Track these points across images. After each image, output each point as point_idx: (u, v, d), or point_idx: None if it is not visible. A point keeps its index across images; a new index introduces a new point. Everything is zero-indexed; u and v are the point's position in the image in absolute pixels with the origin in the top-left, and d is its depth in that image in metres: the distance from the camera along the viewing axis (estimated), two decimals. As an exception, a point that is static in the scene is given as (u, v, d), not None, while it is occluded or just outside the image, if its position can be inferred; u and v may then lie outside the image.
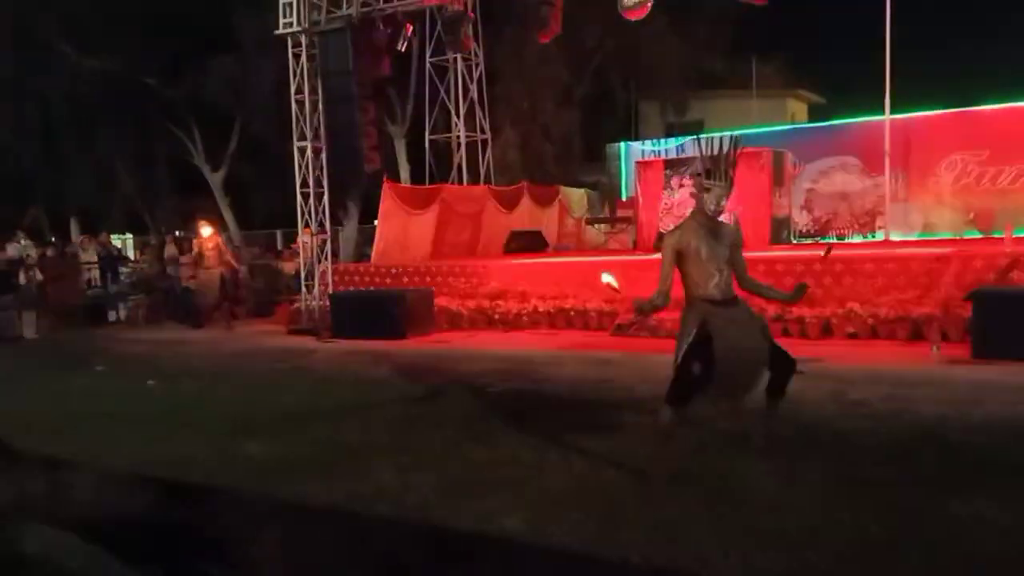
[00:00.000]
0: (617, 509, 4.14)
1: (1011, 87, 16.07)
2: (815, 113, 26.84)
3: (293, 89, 13.09)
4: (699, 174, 4.54)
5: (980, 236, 14.64)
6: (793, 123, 24.01)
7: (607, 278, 5.06)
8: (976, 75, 19.68)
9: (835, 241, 15.73)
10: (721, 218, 4.57)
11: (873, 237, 16.05)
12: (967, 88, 17.73)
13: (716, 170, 4.44)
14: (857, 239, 16.57)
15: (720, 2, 16.23)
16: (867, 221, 16.56)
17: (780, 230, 13.77)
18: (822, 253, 5.78)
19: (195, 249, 14.65)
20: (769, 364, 4.39)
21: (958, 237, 14.77)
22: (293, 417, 6.67)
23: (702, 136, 4.67)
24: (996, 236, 12.96)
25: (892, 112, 14.94)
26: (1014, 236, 11.01)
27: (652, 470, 4.49)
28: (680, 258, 4.48)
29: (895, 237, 15.16)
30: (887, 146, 14.90)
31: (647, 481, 4.51)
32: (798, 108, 26.86)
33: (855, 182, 16.81)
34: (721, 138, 4.52)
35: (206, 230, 14.43)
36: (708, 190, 4.47)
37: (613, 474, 4.74)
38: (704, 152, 4.49)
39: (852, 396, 6.37)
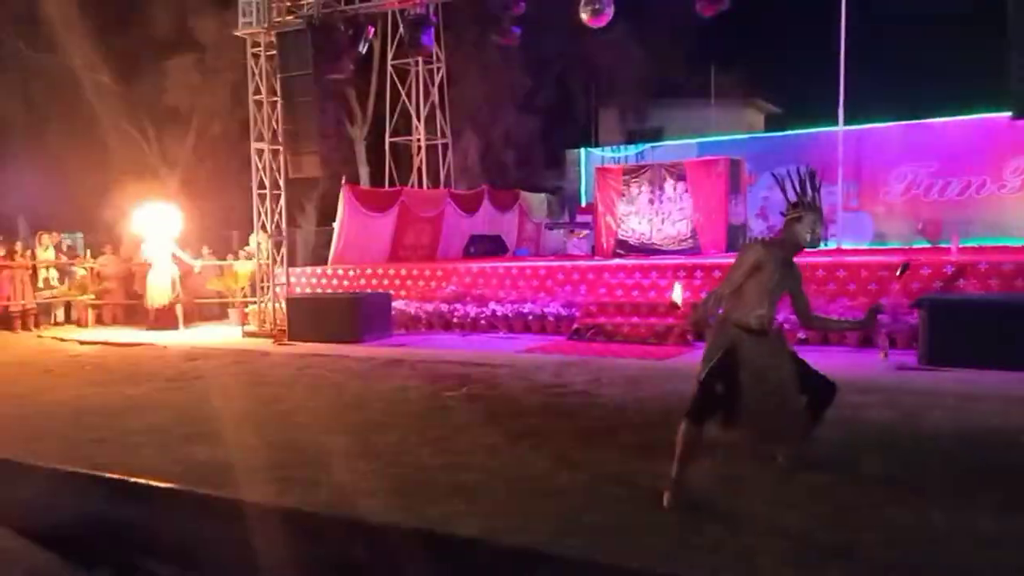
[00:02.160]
0: (571, 513, 4.16)
1: (959, 101, 16.51)
2: (772, 123, 27.29)
3: (251, 89, 12.94)
4: (790, 206, 4.33)
5: (928, 245, 15.02)
6: (750, 132, 24.40)
7: (677, 292, 4.91)
8: (926, 89, 20.18)
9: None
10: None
11: (826, 245, 16.33)
12: (917, 102, 18.18)
13: (805, 198, 4.28)
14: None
15: (679, 11, 16.40)
16: (821, 230, 16.87)
17: (736, 237, 13.97)
18: (897, 272, 5.65)
19: (143, 249, 14.37)
20: (805, 389, 4.29)
21: (907, 246, 15.13)
22: (246, 420, 6.59)
23: (777, 172, 4.52)
24: (943, 246, 13.32)
25: (845, 124, 15.27)
26: (960, 246, 11.31)
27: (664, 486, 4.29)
28: (749, 264, 4.24)
29: (847, 245, 15.47)
30: (840, 157, 15.22)
31: (599, 484, 4.54)
32: (755, 118, 27.29)
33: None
34: (799, 169, 4.38)
35: (154, 230, 14.16)
36: (799, 219, 4.25)
37: (568, 477, 4.77)
38: (786, 183, 4.35)
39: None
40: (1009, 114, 8.83)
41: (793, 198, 4.31)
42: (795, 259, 4.39)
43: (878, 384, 7.21)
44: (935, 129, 16.44)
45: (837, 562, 3.51)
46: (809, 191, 4.29)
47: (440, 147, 18.57)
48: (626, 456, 5.17)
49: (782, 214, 4.39)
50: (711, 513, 4.11)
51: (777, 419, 4.23)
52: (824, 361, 8.50)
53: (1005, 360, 7.53)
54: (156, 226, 14.11)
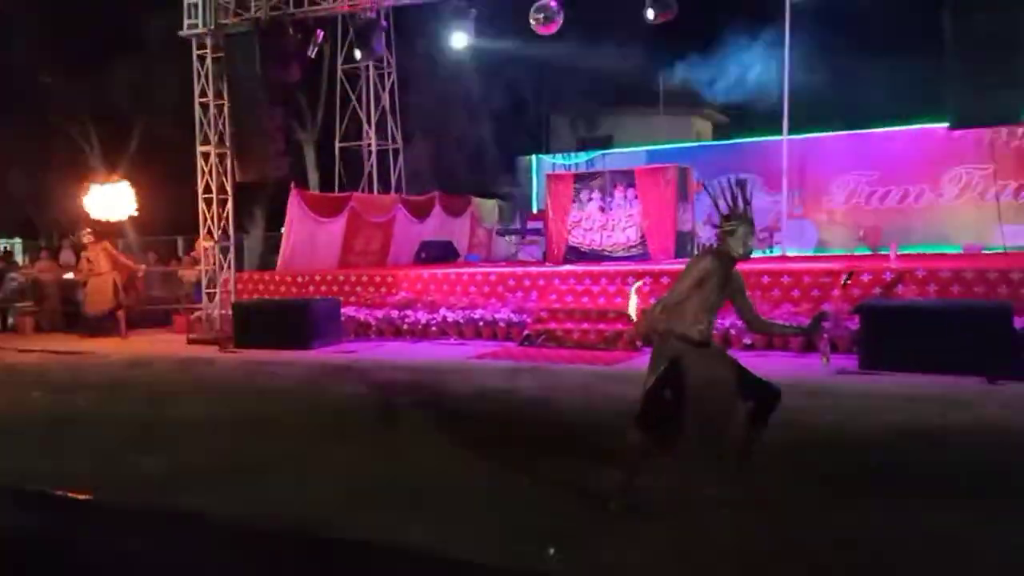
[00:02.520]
0: (521, 520, 4.17)
1: (899, 112, 16.99)
2: (719, 132, 27.76)
3: (197, 92, 12.73)
4: (722, 218, 4.33)
5: (868, 252, 15.41)
6: (698, 140, 24.79)
7: (632, 303, 4.79)
8: (868, 100, 20.74)
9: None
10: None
11: (771, 252, 16.67)
12: (859, 112, 18.67)
13: (735, 209, 4.30)
14: (756, 254, 17.17)
15: (629, 20, 16.60)
16: (765, 237, 17.17)
17: (684, 243, 14.16)
18: (843, 282, 5.71)
19: (83, 255, 14.01)
20: (750, 395, 4.31)
21: (848, 253, 15.51)
22: (191, 429, 6.46)
23: (706, 183, 4.57)
24: (883, 253, 13.68)
25: (789, 133, 15.60)
26: (899, 253, 11.62)
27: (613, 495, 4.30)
28: (691, 282, 4.23)
29: (791, 252, 15.80)
30: (784, 165, 15.54)
31: (549, 490, 4.55)
32: (703, 126, 27.72)
33: (755, 199, 17.42)
34: (730, 180, 4.43)
35: (91, 236, 13.83)
36: (732, 232, 4.27)
37: (516, 484, 4.77)
38: (717, 196, 4.35)
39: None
40: (946, 125, 9.13)
41: (725, 210, 4.32)
42: (738, 266, 4.44)
43: (820, 388, 7.37)
44: (876, 139, 16.89)
45: (782, 564, 3.58)
46: (741, 203, 4.31)
47: (391, 152, 18.47)
48: (576, 462, 5.20)
49: (715, 226, 4.42)
50: (656, 518, 4.15)
51: (721, 425, 4.28)
52: (768, 366, 8.66)
53: (941, 363, 7.75)
54: (108, 209, 13.71)
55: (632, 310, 4.77)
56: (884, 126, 16.96)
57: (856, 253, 15.49)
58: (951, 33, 8.32)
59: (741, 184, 4.35)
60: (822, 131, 17.33)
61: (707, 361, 4.25)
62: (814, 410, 6.36)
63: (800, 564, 3.55)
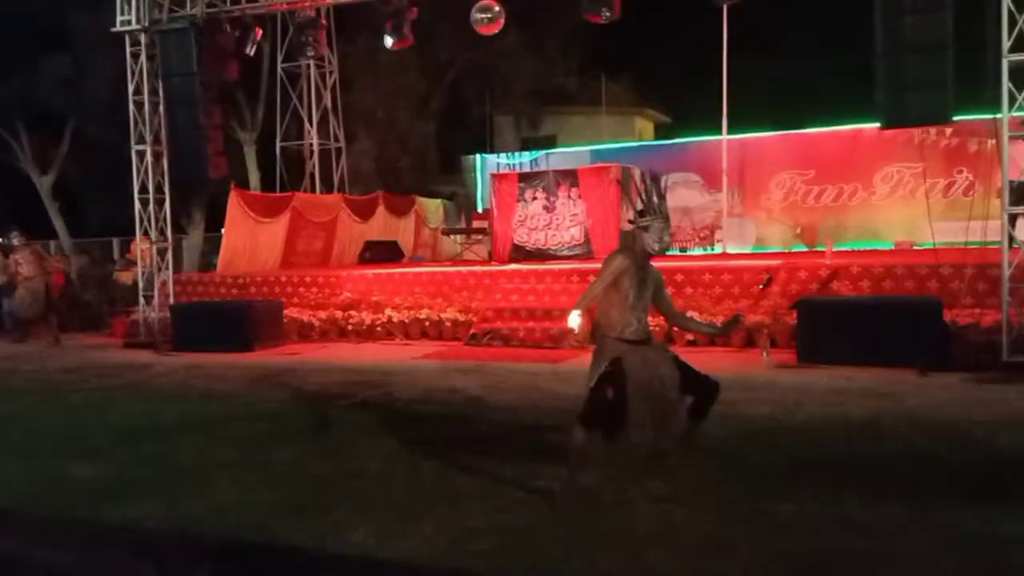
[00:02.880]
0: (466, 519, 4.17)
1: (834, 112, 17.45)
2: (661, 131, 28.14)
3: (131, 90, 12.41)
4: (636, 214, 4.34)
5: (805, 249, 15.80)
6: (640, 140, 25.09)
7: (574, 318, 4.66)
8: (803, 100, 21.28)
9: (692, 253, 16.49)
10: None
11: (712, 250, 16.98)
12: (796, 112, 19.14)
13: (649, 204, 4.28)
14: (698, 251, 17.49)
15: (571, 21, 16.73)
16: (707, 235, 17.51)
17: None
18: (761, 285, 5.73)
19: (12, 257, 13.53)
20: (690, 389, 4.35)
21: (786, 250, 15.87)
22: (127, 436, 6.30)
23: (621, 180, 4.54)
24: (819, 249, 14.04)
25: (729, 133, 15.90)
26: (834, 249, 11.94)
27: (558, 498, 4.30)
28: (610, 289, 4.28)
29: (731, 250, 16.10)
30: (724, 164, 15.84)
31: (495, 489, 4.56)
32: (645, 126, 28.06)
33: (696, 197, 17.76)
34: (641, 173, 4.43)
35: (17, 239, 13.38)
36: (646, 228, 4.26)
37: (462, 484, 4.77)
38: (632, 191, 4.35)
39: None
40: (878, 125, 9.40)
41: (640, 206, 4.32)
42: (681, 264, 4.49)
43: (759, 382, 7.53)
44: (811, 139, 17.32)
45: (723, 553, 3.64)
46: (655, 198, 4.30)
47: (333, 152, 18.29)
48: (521, 460, 5.21)
49: (630, 222, 4.42)
50: (601, 513, 4.19)
51: (663, 421, 4.31)
52: (709, 361, 8.80)
53: (875, 357, 7.99)
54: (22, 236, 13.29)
55: (574, 323, 4.68)
56: (819, 126, 17.40)
57: (793, 250, 15.87)
58: (881, 35, 8.56)
59: (655, 179, 4.34)
60: (760, 131, 17.70)
61: (648, 359, 4.29)
62: (752, 403, 6.50)
63: (738, 555, 3.62)
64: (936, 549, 3.62)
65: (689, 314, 9.76)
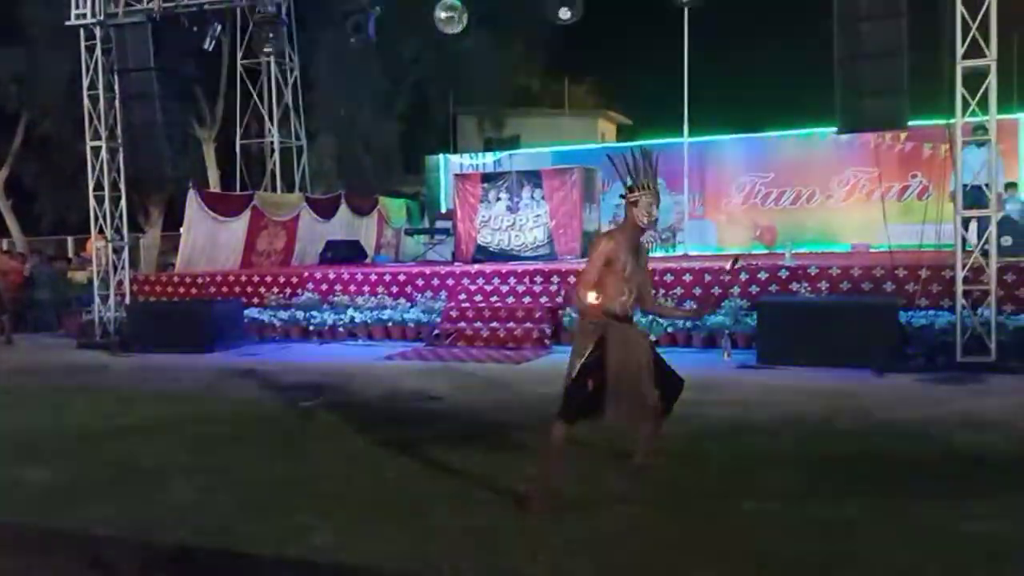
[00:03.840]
0: (430, 519, 4.14)
1: (793, 117, 17.72)
2: (623, 134, 28.33)
3: (86, 84, 12.15)
4: (626, 189, 4.30)
5: (765, 251, 16.00)
6: (603, 142, 25.22)
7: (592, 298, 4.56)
8: (763, 104, 21.61)
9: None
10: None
11: (674, 251, 17.11)
12: (755, 116, 19.42)
13: (638, 180, 4.26)
14: (659, 252, 17.61)
15: (533, 21, 16.75)
16: (668, 236, 17.65)
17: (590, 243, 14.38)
18: (728, 266, 5.69)
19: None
20: (658, 383, 4.35)
21: (747, 252, 16.05)
22: (82, 438, 6.16)
23: (613, 154, 4.48)
24: (778, 251, 14.23)
25: (690, 136, 16.05)
26: (793, 251, 12.10)
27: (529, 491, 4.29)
28: (603, 261, 4.22)
29: (692, 251, 16.25)
30: (685, 167, 15.98)
31: (460, 489, 4.54)
32: (607, 128, 28.23)
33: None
34: (632, 150, 4.34)
35: None
36: (635, 203, 4.24)
37: (425, 484, 4.74)
38: (621, 166, 4.31)
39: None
40: (835, 129, 9.55)
41: (628, 181, 4.30)
42: (642, 241, 4.47)
43: (720, 382, 7.61)
44: (771, 142, 17.54)
45: (687, 553, 3.67)
46: (643, 172, 4.28)
47: (295, 150, 18.09)
48: (486, 459, 5.20)
49: (621, 196, 4.42)
50: (568, 512, 4.18)
51: (637, 405, 4.28)
52: (671, 360, 8.88)
53: (833, 357, 8.12)
54: None
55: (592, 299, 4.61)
56: (778, 130, 17.64)
57: (753, 252, 16.06)
58: (838, 42, 8.71)
59: (646, 154, 4.31)
60: (721, 134, 17.90)
61: (627, 340, 4.25)
62: (714, 404, 6.56)
63: (701, 554, 3.65)
64: (894, 545, 3.68)
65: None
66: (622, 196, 4.39)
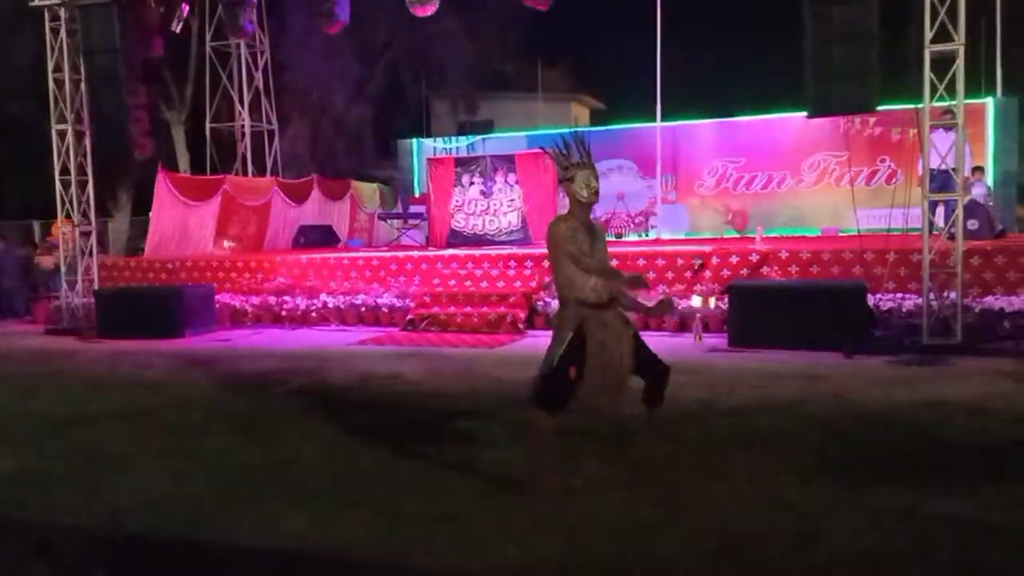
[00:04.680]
0: (402, 505, 4.15)
1: (764, 101, 17.83)
2: (596, 118, 28.33)
3: (51, 67, 11.90)
4: (560, 170, 4.34)
5: (737, 235, 16.13)
6: (576, 127, 25.18)
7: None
8: (735, 89, 21.73)
9: (628, 239, 16.66)
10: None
11: (646, 235, 17.21)
12: (727, 101, 19.53)
13: (570, 155, 4.26)
14: (632, 237, 17.70)
15: (507, 5, 16.68)
16: (641, 221, 17.74)
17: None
18: (692, 271, 5.68)
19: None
20: (644, 371, 4.35)
21: (718, 236, 16.19)
22: (52, 425, 6.08)
23: (546, 146, 4.47)
24: (749, 235, 14.36)
25: (663, 120, 16.10)
26: (764, 235, 12.23)
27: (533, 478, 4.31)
28: (558, 244, 4.22)
29: (665, 236, 16.34)
30: (658, 151, 16.04)
31: (432, 474, 4.55)
32: (581, 112, 28.22)
33: (631, 184, 17.96)
34: (562, 136, 4.34)
35: None
36: (572, 179, 4.25)
37: (398, 470, 4.74)
38: (553, 153, 4.34)
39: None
40: (805, 113, 9.62)
41: (563, 162, 4.33)
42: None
43: (692, 365, 7.66)
44: (742, 127, 17.66)
45: (658, 535, 3.71)
46: (576, 152, 4.30)
47: (266, 134, 17.90)
48: (459, 444, 5.22)
49: (559, 181, 4.42)
50: (537, 497, 4.20)
51: (617, 392, 4.30)
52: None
53: (803, 340, 8.23)
54: None
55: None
56: (749, 115, 17.75)
57: (725, 236, 16.18)
58: (809, 25, 8.76)
59: (576, 135, 4.33)
60: (693, 119, 17.97)
61: (608, 325, 4.24)
62: (686, 387, 6.60)
63: (672, 536, 3.69)
64: (861, 526, 3.75)
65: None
66: (561, 182, 4.40)
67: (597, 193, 4.31)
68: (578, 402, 4.28)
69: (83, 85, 11.79)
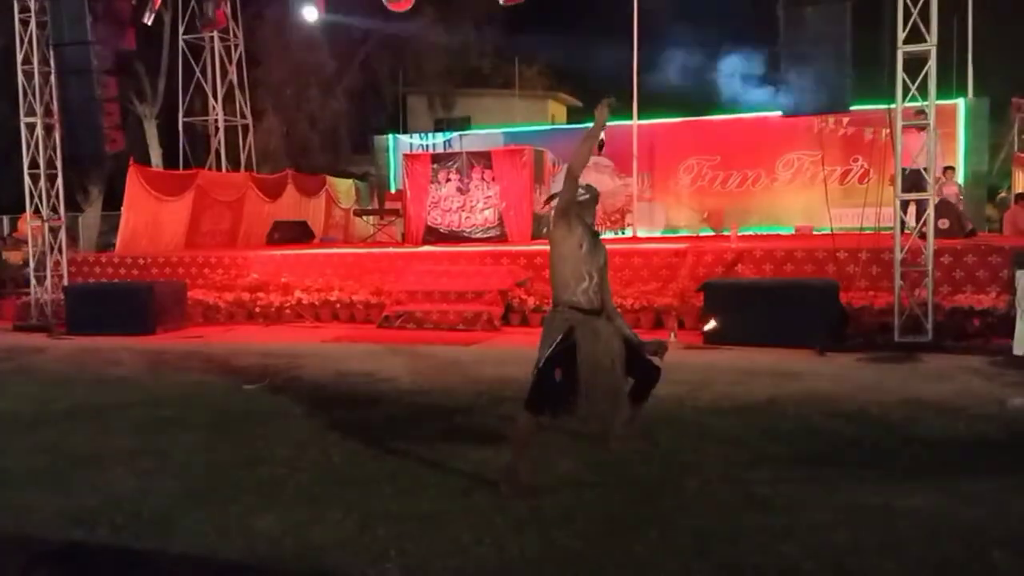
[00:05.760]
0: (377, 504, 4.12)
1: (740, 99, 17.94)
2: (573, 115, 28.36)
3: (20, 59, 11.69)
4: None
5: (712, 233, 16.22)
6: (553, 124, 25.22)
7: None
8: (711, 88, 21.83)
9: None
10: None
11: (623, 233, 17.25)
12: (703, 99, 19.60)
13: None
14: (609, 235, 17.72)
15: (484, 2, 16.64)
16: (617, 219, 17.77)
17: (541, 226, 14.40)
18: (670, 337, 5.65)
19: None
20: (631, 371, 4.32)
21: (693, 234, 16.27)
22: (16, 423, 5.98)
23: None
24: (724, 233, 14.44)
25: (639, 118, 16.13)
26: (739, 234, 12.30)
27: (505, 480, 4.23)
28: (560, 243, 4.23)
29: (641, 234, 16.39)
30: (635, 149, 16.07)
31: (407, 472, 4.52)
32: (558, 110, 28.23)
33: (607, 182, 17.96)
34: None
35: None
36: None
37: (372, 468, 4.71)
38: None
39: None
40: (780, 112, 9.68)
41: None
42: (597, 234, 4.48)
43: (667, 362, 7.59)
44: (717, 125, 17.76)
45: (632, 532, 3.71)
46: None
47: (240, 129, 17.72)
48: (434, 442, 5.19)
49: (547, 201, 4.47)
50: (514, 493, 4.19)
51: (613, 398, 4.24)
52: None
53: (776, 337, 8.29)
54: None
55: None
56: (723, 113, 17.85)
57: (700, 234, 16.27)
58: (784, 26, 8.82)
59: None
60: (669, 117, 18.04)
61: (599, 332, 4.21)
62: (661, 384, 6.57)
63: (646, 533, 3.69)
64: (833, 521, 3.77)
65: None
66: (548, 200, 4.41)
67: (590, 188, 4.42)
68: (576, 416, 4.23)
69: (53, 77, 11.60)
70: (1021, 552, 3.44)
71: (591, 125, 4.33)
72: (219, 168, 17.11)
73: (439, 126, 24.33)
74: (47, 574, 2.58)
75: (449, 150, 18.49)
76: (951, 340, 8.26)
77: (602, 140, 4.94)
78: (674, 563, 3.40)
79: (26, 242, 12.67)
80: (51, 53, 11.48)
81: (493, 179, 14.35)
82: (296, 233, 16.72)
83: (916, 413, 5.73)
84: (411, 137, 21.59)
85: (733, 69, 18.53)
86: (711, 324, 8.42)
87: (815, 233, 14.26)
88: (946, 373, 7.10)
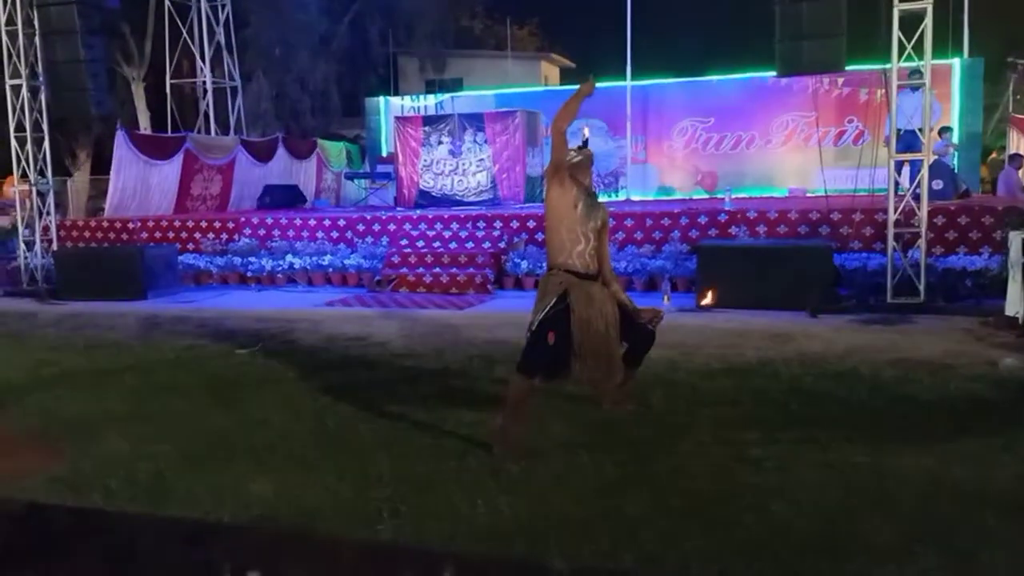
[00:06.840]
0: (370, 467, 4.12)
1: (734, 60, 17.74)
2: (566, 77, 28.07)
3: (3, 19, 11.46)
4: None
5: (706, 196, 16.16)
6: (546, 86, 24.95)
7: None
8: (705, 48, 21.62)
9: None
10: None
11: (616, 195, 17.17)
12: (697, 59, 19.41)
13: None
14: (602, 197, 17.63)
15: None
16: (611, 181, 17.68)
17: (534, 188, 14.32)
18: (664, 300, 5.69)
19: None
20: (625, 335, 4.34)
21: (688, 196, 16.20)
22: (10, 388, 5.95)
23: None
24: (719, 196, 14.39)
25: (632, 79, 15.97)
26: (733, 196, 12.24)
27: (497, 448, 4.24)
28: (555, 204, 4.24)
29: (635, 196, 16.32)
30: (628, 111, 15.94)
31: (401, 435, 4.53)
32: (551, 71, 27.93)
33: (601, 144, 17.83)
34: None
35: None
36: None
37: (366, 432, 4.71)
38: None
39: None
40: (774, 73, 9.58)
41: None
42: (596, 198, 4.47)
43: (661, 325, 7.65)
44: (712, 87, 17.57)
45: (625, 494, 3.73)
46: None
47: (229, 91, 17.48)
48: (427, 405, 5.19)
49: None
50: (507, 456, 4.20)
51: (607, 361, 4.28)
52: (614, 305, 8.92)
53: (769, 300, 8.28)
54: None
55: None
56: (718, 74, 17.66)
57: (694, 196, 16.21)
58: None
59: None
60: (663, 78, 17.85)
61: (593, 296, 4.22)
62: (654, 347, 6.61)
63: (639, 494, 3.71)
64: (824, 481, 3.80)
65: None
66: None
67: (582, 150, 4.48)
68: (572, 380, 4.30)
69: (37, 39, 11.39)
70: (1011, 511, 3.47)
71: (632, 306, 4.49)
72: (208, 131, 16.91)
73: (431, 88, 24.04)
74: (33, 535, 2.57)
75: (441, 112, 18.28)
76: (943, 301, 8.27)
77: (585, 139, 4.91)
78: (667, 524, 3.42)
79: (14, 206, 12.54)
80: (35, 13, 11.25)
81: (485, 141, 14.23)
82: (288, 197, 16.59)
83: (908, 373, 5.75)
84: (403, 99, 21.33)
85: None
86: (707, 298, 8.38)
87: (809, 195, 14.21)
88: (938, 333, 7.12)
